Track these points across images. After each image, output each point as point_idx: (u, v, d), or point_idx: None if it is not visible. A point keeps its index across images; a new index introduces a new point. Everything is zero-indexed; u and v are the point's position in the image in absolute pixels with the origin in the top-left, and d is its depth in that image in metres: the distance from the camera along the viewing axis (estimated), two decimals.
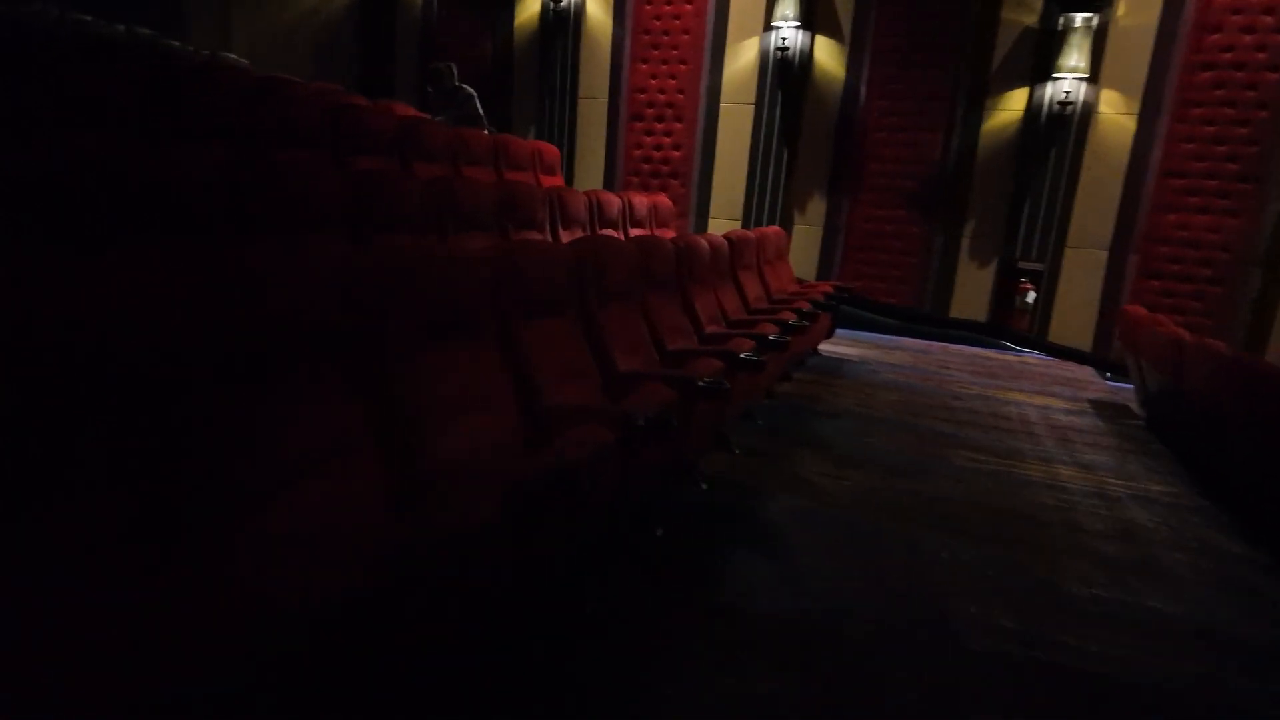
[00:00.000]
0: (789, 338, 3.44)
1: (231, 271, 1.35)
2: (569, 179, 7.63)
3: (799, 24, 6.93)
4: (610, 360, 2.54)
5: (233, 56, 7.06)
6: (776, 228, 6.10)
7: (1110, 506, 3.20)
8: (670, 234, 5.71)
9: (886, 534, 2.73)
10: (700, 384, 2.40)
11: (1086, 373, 6.14)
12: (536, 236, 4.06)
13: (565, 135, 7.66)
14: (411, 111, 6.08)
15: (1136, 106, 6.28)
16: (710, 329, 3.56)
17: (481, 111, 6.11)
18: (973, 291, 6.93)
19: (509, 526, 1.41)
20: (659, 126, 7.43)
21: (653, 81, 7.39)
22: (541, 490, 1.50)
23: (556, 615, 2.00)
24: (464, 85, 6.12)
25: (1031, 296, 6.68)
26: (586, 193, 4.89)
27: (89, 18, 6.10)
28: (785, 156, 7.15)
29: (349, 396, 1.57)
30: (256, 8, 7.88)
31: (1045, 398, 5.05)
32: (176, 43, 6.57)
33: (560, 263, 2.39)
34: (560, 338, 2.35)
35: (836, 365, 5.49)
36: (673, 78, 7.33)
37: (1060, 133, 6.48)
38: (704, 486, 3.00)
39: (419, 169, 4.54)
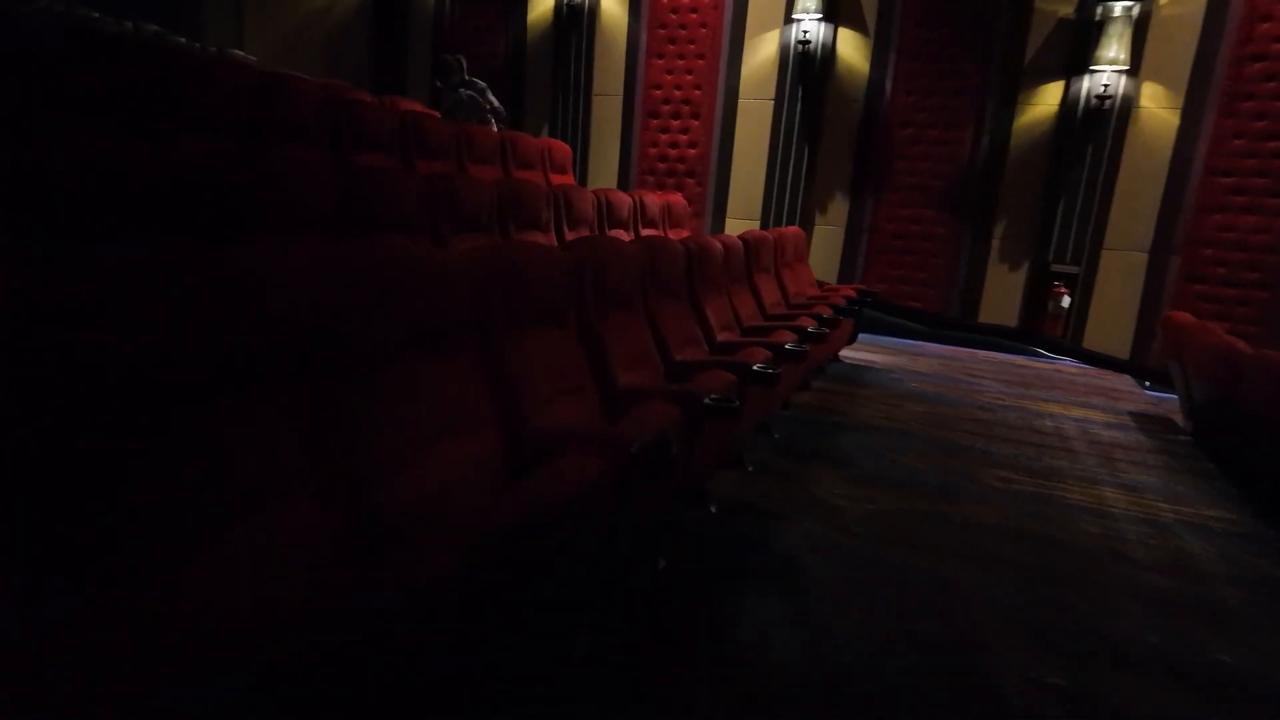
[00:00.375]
0: (807, 347, 3.19)
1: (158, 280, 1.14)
2: (582, 178, 7.42)
3: (821, 16, 6.67)
4: (610, 374, 2.31)
5: (240, 53, 6.95)
6: (796, 228, 5.84)
7: (1161, 535, 2.91)
8: (684, 234, 5.47)
9: (913, 568, 2.47)
10: (707, 401, 2.16)
11: (1125, 382, 5.81)
12: (540, 238, 3.84)
13: (578, 133, 7.45)
14: (418, 107, 5.90)
15: (1180, 100, 5.94)
16: (723, 337, 3.32)
17: (497, 103, 5.90)
18: (1003, 295, 6.62)
19: (470, 582, 1.19)
20: (675, 124, 7.19)
21: (669, 77, 7.15)
22: (509, 543, 1.27)
23: (535, 668, 1.77)
24: (475, 79, 5.92)
25: (1066, 301, 6.36)
26: (595, 191, 4.67)
27: (96, 14, 6.01)
28: (806, 154, 6.89)
29: (294, 423, 1.36)
30: (269, 6, 7.80)
31: (1083, 409, 4.75)
32: (183, 39, 6.46)
33: (555, 265, 2.17)
34: (554, 349, 2.13)
35: (859, 373, 5.22)
36: (689, 73, 7.09)
37: (1098, 128, 6.15)
38: (712, 509, 2.76)
39: (422, 166, 4.35)
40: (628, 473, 1.71)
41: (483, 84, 5.90)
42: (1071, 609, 2.30)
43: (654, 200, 5.39)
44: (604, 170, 7.45)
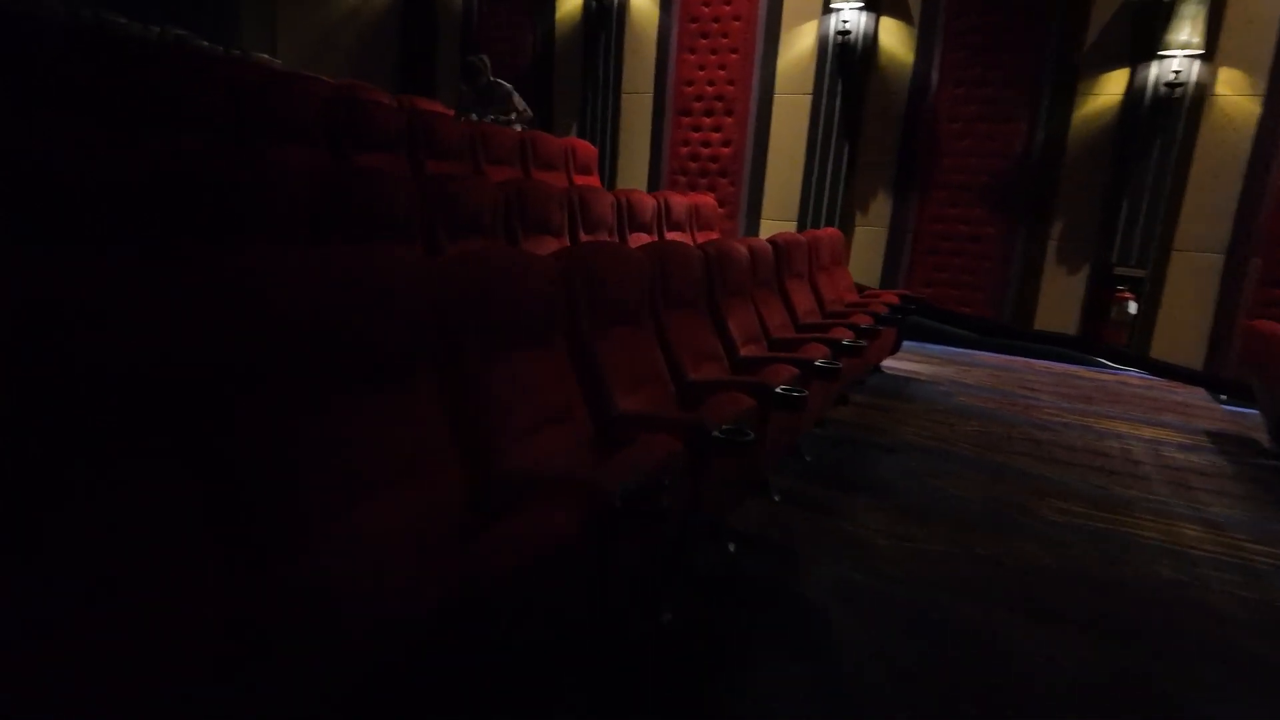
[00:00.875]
0: (841, 363, 2.86)
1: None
2: (610, 179, 7.15)
3: (862, 5, 6.28)
4: (606, 399, 2.02)
5: (265, 56, 6.90)
6: (834, 229, 5.48)
7: (1255, 583, 2.51)
8: (714, 237, 5.16)
9: (960, 622, 2.13)
10: (716, 434, 1.86)
11: (1198, 395, 5.31)
12: (552, 242, 3.58)
13: (607, 133, 7.19)
14: (437, 108, 5.72)
15: (1262, 86, 5.40)
16: (747, 351, 3.01)
17: (523, 106, 5.66)
18: (1060, 301, 6.14)
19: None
20: (707, 121, 6.87)
21: (701, 73, 6.84)
22: (440, 626, 1.01)
23: None
24: (499, 80, 5.70)
25: (1133, 307, 5.85)
26: (615, 193, 4.39)
27: (123, 19, 5.97)
28: (846, 151, 6.51)
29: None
30: (301, 10, 7.78)
31: (1153, 428, 4.30)
32: (207, 43, 6.40)
33: (540, 276, 1.89)
34: (539, 372, 1.85)
35: (902, 385, 4.84)
36: (722, 68, 6.76)
37: (1167, 119, 5.64)
38: (731, 548, 2.46)
39: (432, 167, 4.13)
40: (611, 525, 1.43)
41: (508, 86, 5.67)
42: (1146, 678, 1.94)
43: (680, 201, 5.09)
44: (633, 171, 7.17)
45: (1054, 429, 4.11)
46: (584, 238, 3.90)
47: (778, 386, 2.34)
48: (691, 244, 2.98)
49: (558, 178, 5.13)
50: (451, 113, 5.60)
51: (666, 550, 1.99)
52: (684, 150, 6.98)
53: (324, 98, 3.74)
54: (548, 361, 1.91)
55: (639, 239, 4.48)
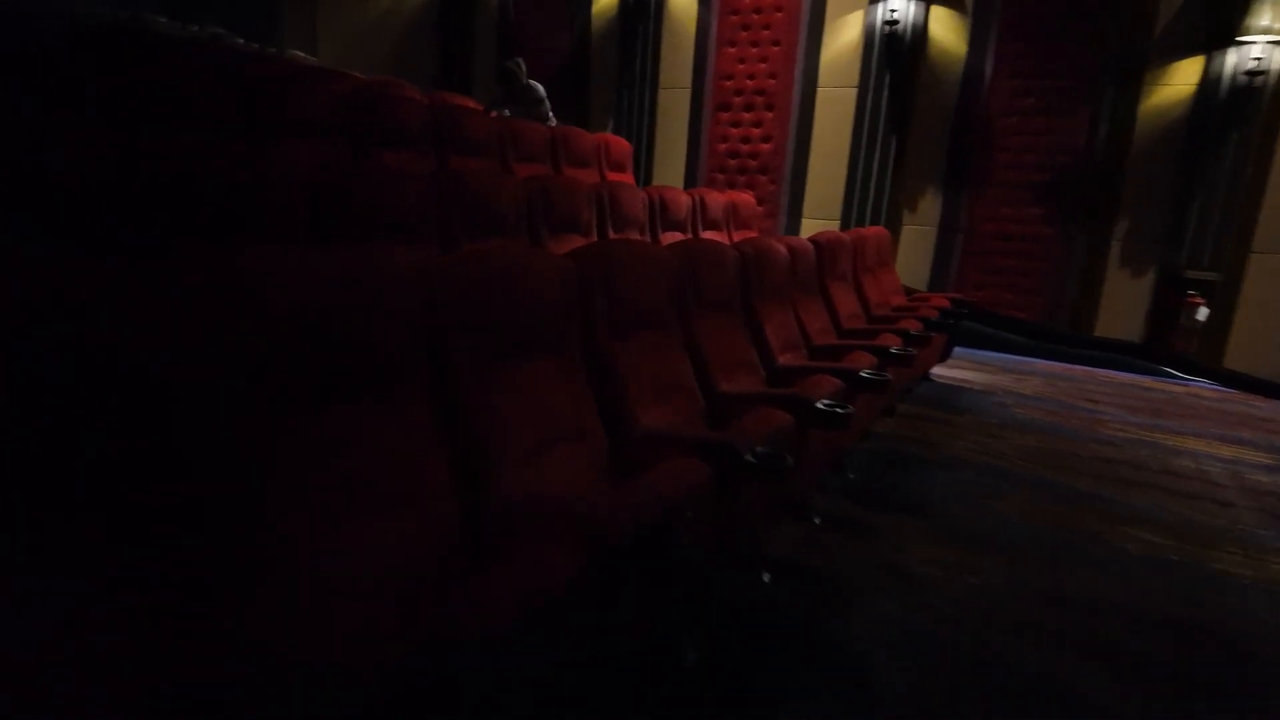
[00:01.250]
0: (889, 374, 2.61)
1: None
2: (647, 176, 6.96)
3: None
4: (624, 415, 1.82)
5: (300, 54, 6.86)
6: (880, 228, 5.19)
7: None
8: (753, 236, 4.93)
9: (1021, 671, 1.88)
10: (749, 459, 1.64)
11: (1278, 409, 4.90)
12: (579, 243, 3.38)
13: (644, 129, 6.99)
14: (468, 103, 5.58)
15: None
16: (785, 360, 2.78)
17: (550, 114, 5.54)
18: (1124, 305, 5.75)
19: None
20: (747, 116, 6.63)
21: (741, 66, 6.60)
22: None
23: None
24: (534, 83, 5.56)
25: (1203, 313, 5.44)
26: (648, 190, 4.19)
27: (163, 18, 5.97)
28: (893, 147, 6.20)
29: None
30: (341, 8, 7.77)
31: (1232, 446, 3.94)
32: (242, 40, 6.38)
33: (551, 278, 1.69)
34: (547, 385, 1.65)
35: (953, 395, 4.54)
36: (763, 61, 6.51)
37: (1245, 110, 5.23)
38: (765, 578, 2.23)
39: (457, 163, 3.98)
40: (616, 570, 1.22)
41: (541, 92, 5.53)
42: None
43: (717, 199, 4.86)
44: (670, 168, 6.96)
45: (1120, 445, 3.78)
46: (613, 237, 3.71)
47: (819, 401, 2.11)
48: (727, 243, 2.75)
49: (590, 175, 4.95)
50: (481, 108, 5.48)
51: (691, 585, 1.78)
52: (722, 147, 6.75)
53: (346, 94, 3.61)
54: (560, 372, 1.71)
55: (672, 238, 4.26)
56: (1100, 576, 2.40)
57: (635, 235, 3.93)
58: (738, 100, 6.66)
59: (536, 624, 1.06)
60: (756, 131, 6.60)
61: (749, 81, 6.59)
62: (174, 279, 1.05)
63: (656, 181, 6.90)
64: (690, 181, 6.85)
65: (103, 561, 0.93)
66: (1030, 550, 2.54)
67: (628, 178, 5.51)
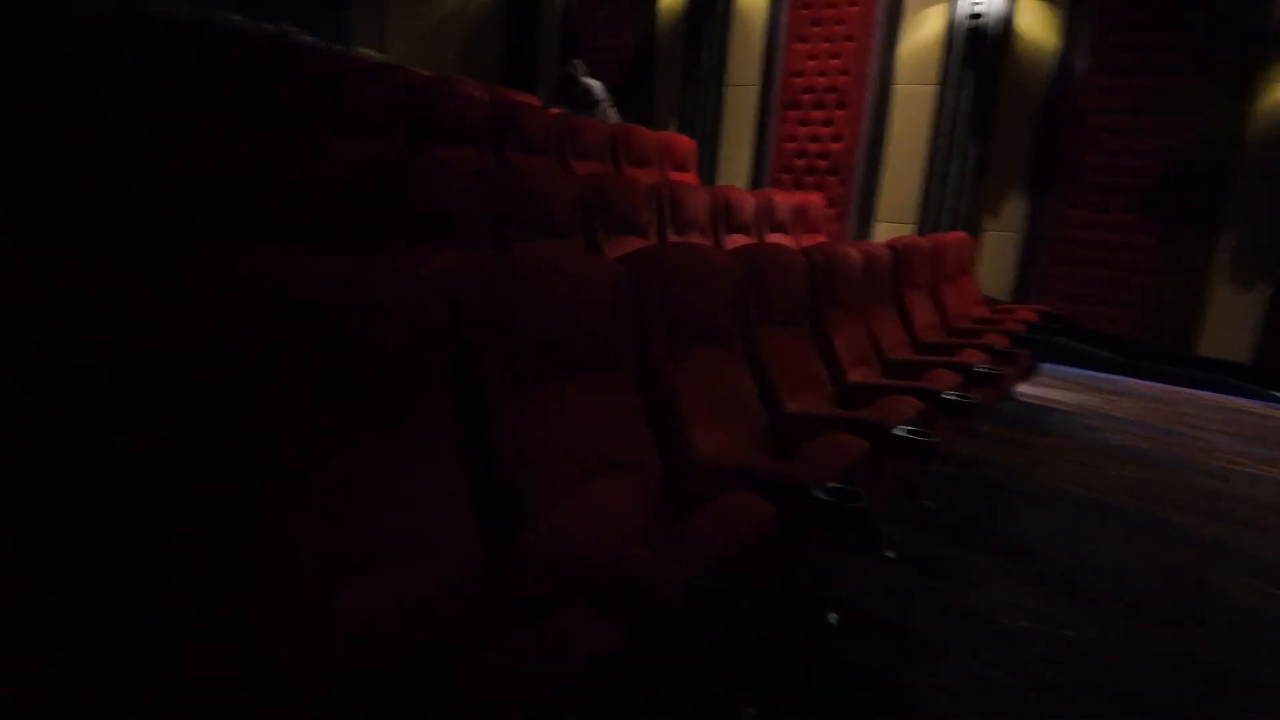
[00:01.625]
0: (975, 396, 2.35)
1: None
2: (710, 176, 6.74)
3: None
4: (680, 440, 1.62)
5: (368, 52, 6.92)
6: (960, 234, 4.85)
7: None
8: (821, 240, 4.66)
9: None
10: (819, 496, 1.42)
11: None
12: (637, 245, 3.20)
13: (709, 128, 6.77)
14: (529, 99, 5.48)
15: None
16: (857, 376, 2.54)
17: (610, 112, 5.42)
18: (1230, 322, 5.25)
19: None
20: (817, 115, 6.34)
21: (811, 63, 6.32)
22: None
23: None
24: (592, 84, 5.46)
25: None
26: (711, 190, 3.98)
27: (236, 15, 6.06)
28: (974, 148, 5.83)
29: None
30: (409, 8, 7.84)
31: None
32: (312, 38, 6.45)
33: (600, 288, 1.51)
34: (593, 408, 1.47)
35: (1041, 416, 4.19)
36: (836, 57, 6.22)
37: None
38: (832, 619, 2.00)
39: (516, 160, 3.85)
40: (662, 641, 1.03)
41: (600, 92, 5.42)
42: None
43: (784, 201, 4.61)
44: (735, 168, 6.73)
45: (1232, 479, 3.39)
46: (674, 238, 3.51)
47: (897, 427, 1.87)
48: (794, 248, 2.53)
49: (650, 174, 4.77)
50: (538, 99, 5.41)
51: (748, 637, 1.56)
52: (790, 146, 6.48)
53: (403, 89, 3.51)
54: (607, 393, 1.52)
55: (736, 241, 4.05)
56: (1224, 637, 2.08)
57: (697, 238, 3.73)
58: (807, 98, 6.38)
59: (563, 703, 0.87)
60: (827, 130, 6.31)
61: (820, 78, 6.31)
62: (156, 284, 0.90)
63: (721, 182, 6.68)
64: (756, 182, 6.61)
65: (71, 596, 0.79)
66: (1136, 601, 2.24)
67: (691, 177, 5.31)
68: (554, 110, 5.02)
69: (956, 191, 5.88)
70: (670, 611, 1.00)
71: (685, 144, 5.35)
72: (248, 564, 0.91)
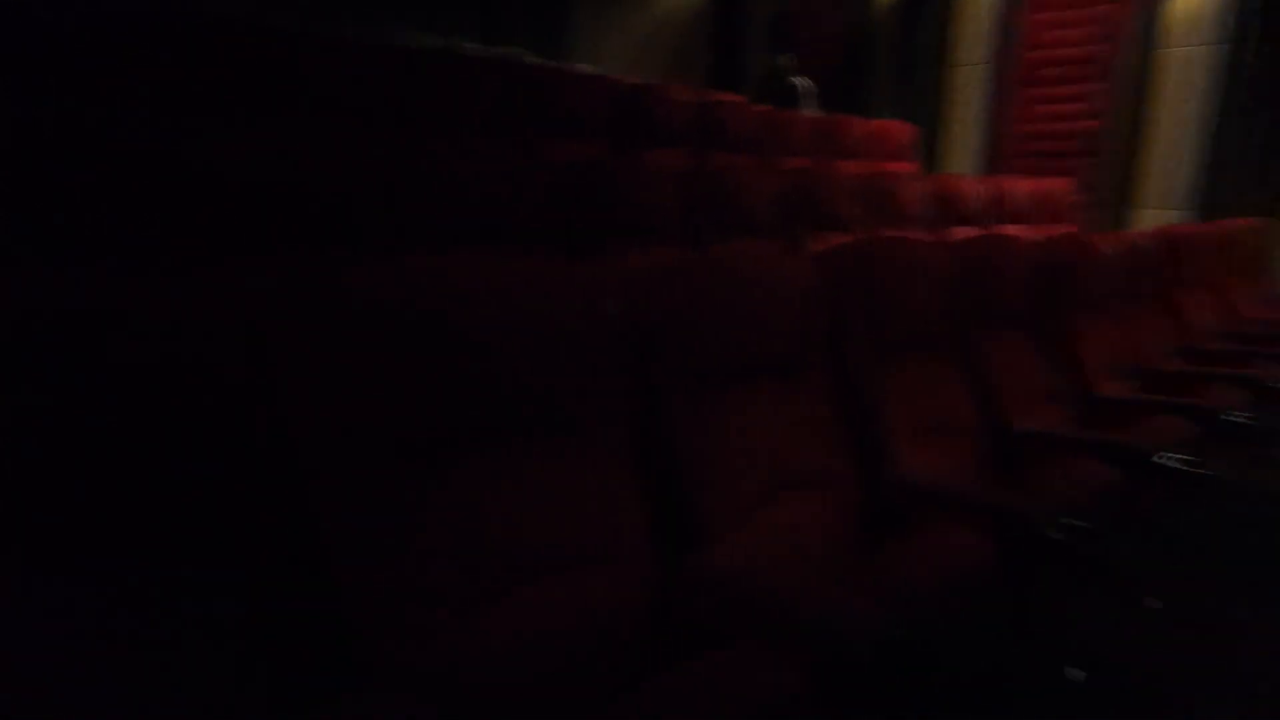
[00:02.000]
0: (1265, 417, 1.90)
1: None
2: (931, 165, 6.23)
3: None
4: (887, 457, 1.45)
5: (585, 66, 7.28)
6: (1253, 221, 4.02)
7: None
8: (1068, 231, 4.11)
9: None
10: (1053, 535, 1.20)
11: None
12: (843, 240, 3.00)
13: (930, 113, 6.25)
14: (734, 99, 5.41)
15: None
16: (1106, 389, 2.16)
17: (814, 107, 5.26)
18: None
19: None
20: (1061, 91, 5.60)
21: (1054, 33, 5.59)
22: None
23: None
24: (799, 81, 5.33)
25: None
26: (930, 179, 3.64)
27: (472, 43, 6.66)
28: (1267, 118, 4.81)
29: None
30: (621, 21, 8.16)
31: None
32: (533, 58, 6.90)
33: (792, 287, 1.38)
34: (777, 420, 1.35)
35: None
36: (1081, 25, 5.45)
37: None
38: (1078, 676, 1.69)
39: (720, 160, 3.80)
40: (851, 691, 0.90)
41: (804, 88, 5.26)
42: None
43: (1020, 188, 4.12)
44: (961, 155, 6.15)
45: None
46: (885, 234, 3.25)
47: (1160, 453, 1.54)
48: (1028, 240, 2.21)
49: (861, 166, 4.50)
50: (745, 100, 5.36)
51: (957, 693, 1.36)
52: (1028, 128, 5.79)
53: (607, 97, 3.61)
54: (798, 401, 1.39)
55: (961, 234, 3.67)
56: None
57: (913, 232, 3.43)
58: (1049, 73, 5.66)
59: None
60: (1071, 108, 5.55)
61: (1064, 50, 5.56)
62: (338, 288, 0.93)
63: (945, 169, 6.14)
64: (986, 169, 6.00)
65: (253, 593, 0.83)
66: None
67: (909, 167, 4.93)
68: (759, 107, 4.92)
69: (1245, 172, 4.89)
70: (861, 662, 0.87)
71: (901, 132, 4.97)
72: (420, 568, 0.91)
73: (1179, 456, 1.53)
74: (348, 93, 2.91)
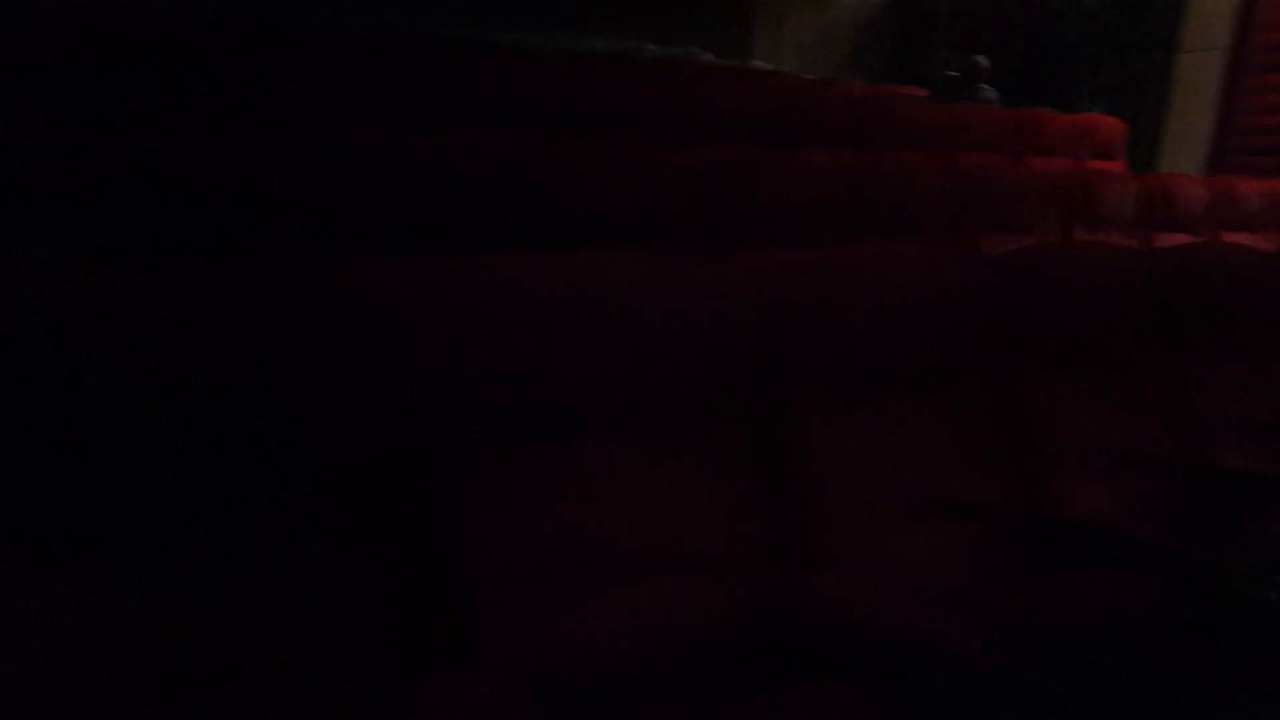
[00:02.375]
0: None
1: None
2: (1149, 162, 5.54)
3: None
4: (1051, 488, 1.27)
5: (760, 64, 7.18)
6: None
7: None
8: None
9: None
10: (1273, 595, 0.99)
11: None
12: (1025, 242, 2.71)
13: (1148, 106, 5.55)
14: (913, 92, 5.12)
15: None
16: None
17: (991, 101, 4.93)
18: None
19: None
20: None
21: None
22: None
23: None
24: (985, 88, 5.03)
25: None
26: (1141, 178, 3.22)
27: (653, 45, 6.81)
28: None
29: None
30: (802, 19, 8.01)
31: None
32: (709, 57, 6.90)
33: (945, 291, 1.25)
34: (920, 436, 1.22)
35: None
36: None
37: None
38: None
39: (890, 156, 3.59)
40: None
41: (986, 95, 4.93)
42: None
43: (1252, 190, 3.54)
44: (1183, 152, 5.41)
45: None
46: (1081, 237, 2.91)
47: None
48: (1264, 250, 1.88)
49: (1060, 164, 4.07)
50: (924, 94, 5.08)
51: None
52: (1267, 120, 4.99)
53: (767, 93, 3.51)
54: (947, 417, 1.25)
55: (1174, 240, 3.21)
56: None
57: (1117, 237, 3.04)
58: None
59: None
60: None
61: None
62: (458, 281, 0.94)
63: (1166, 169, 5.43)
64: (1216, 168, 5.23)
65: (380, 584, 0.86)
66: None
67: (1116, 165, 4.40)
68: (938, 103, 4.61)
69: None
70: (1000, 716, 0.76)
71: (1109, 127, 4.43)
72: (534, 556, 0.91)
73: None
74: (508, 100, 2.99)
